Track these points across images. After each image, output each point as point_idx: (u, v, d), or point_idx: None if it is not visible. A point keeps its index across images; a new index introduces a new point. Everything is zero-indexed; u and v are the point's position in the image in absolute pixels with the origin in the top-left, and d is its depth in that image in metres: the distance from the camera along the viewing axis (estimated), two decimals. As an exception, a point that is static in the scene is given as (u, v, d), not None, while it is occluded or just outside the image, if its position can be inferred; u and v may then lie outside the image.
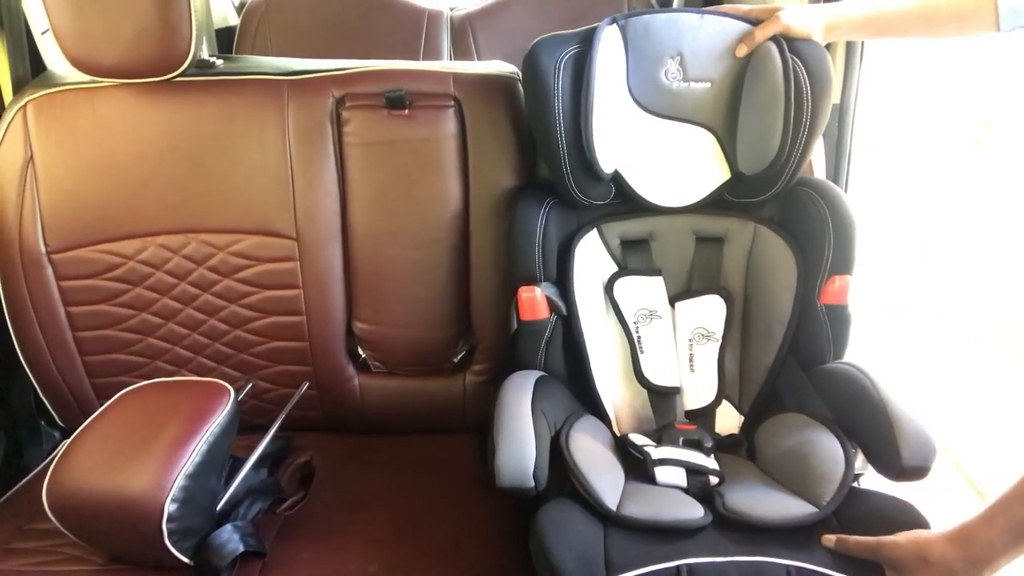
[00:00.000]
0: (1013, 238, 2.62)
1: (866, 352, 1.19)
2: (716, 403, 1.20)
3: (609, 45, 1.10)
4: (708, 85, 1.13)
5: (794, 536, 0.95)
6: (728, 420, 1.21)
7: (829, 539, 0.94)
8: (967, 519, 0.86)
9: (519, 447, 0.98)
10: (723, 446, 1.16)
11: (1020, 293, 2.47)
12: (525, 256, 1.15)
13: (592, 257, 1.21)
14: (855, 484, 1.04)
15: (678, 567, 0.91)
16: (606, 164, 1.13)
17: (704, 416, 1.20)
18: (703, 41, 1.12)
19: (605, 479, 1.01)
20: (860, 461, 1.06)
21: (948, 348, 2.32)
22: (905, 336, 2.35)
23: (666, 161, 1.16)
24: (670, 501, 1.01)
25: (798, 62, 1.09)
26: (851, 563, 0.92)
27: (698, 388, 1.21)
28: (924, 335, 2.38)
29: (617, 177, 1.17)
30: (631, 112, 1.14)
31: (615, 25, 1.12)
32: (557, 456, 1.02)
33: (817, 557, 0.93)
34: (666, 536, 0.95)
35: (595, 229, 1.21)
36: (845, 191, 1.40)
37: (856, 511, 0.98)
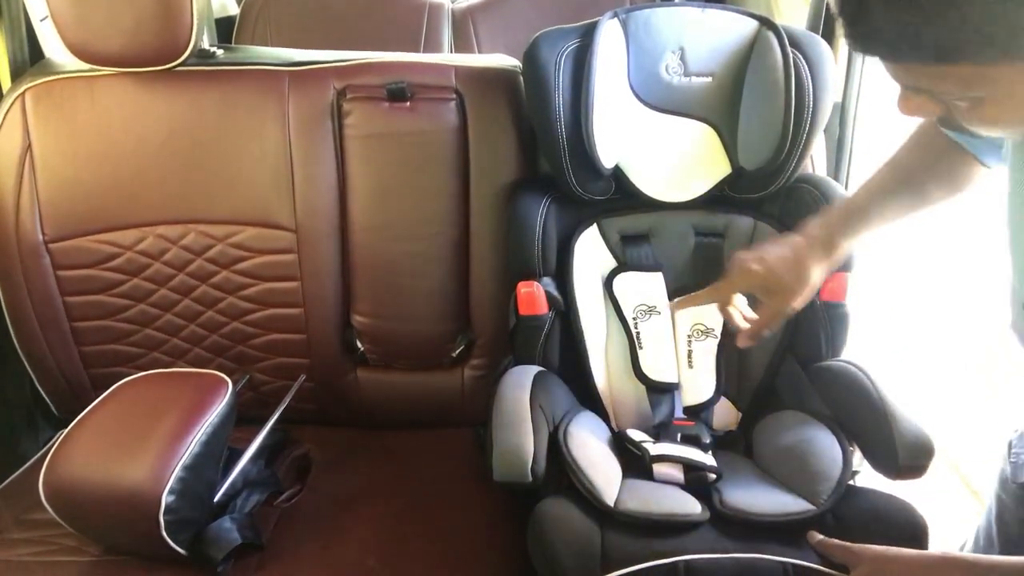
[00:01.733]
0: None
1: (865, 351, 1.19)
2: (714, 399, 1.20)
3: (610, 39, 1.10)
4: (709, 79, 1.13)
5: (791, 533, 0.95)
6: (726, 417, 1.21)
7: (814, 536, 0.93)
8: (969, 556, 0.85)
9: (516, 442, 0.98)
10: (721, 442, 1.17)
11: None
12: (524, 251, 1.15)
13: (592, 252, 1.20)
14: (852, 482, 1.04)
15: (675, 563, 0.92)
16: (606, 159, 1.12)
17: (702, 412, 1.20)
18: (704, 35, 1.11)
19: (603, 475, 1.01)
20: (857, 458, 1.07)
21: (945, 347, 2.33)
22: (905, 335, 2.36)
23: (667, 156, 1.16)
24: (667, 497, 1.01)
25: (799, 56, 1.08)
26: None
27: (697, 384, 1.20)
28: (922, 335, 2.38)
29: (617, 172, 1.16)
30: (632, 106, 1.13)
31: (616, 19, 1.11)
32: (555, 451, 1.02)
33: (813, 554, 0.93)
34: (663, 532, 0.95)
35: (595, 224, 1.21)
36: (846, 189, 1.40)
37: (853, 509, 0.98)
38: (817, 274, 0.92)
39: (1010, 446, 0.96)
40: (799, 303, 0.93)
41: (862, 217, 0.93)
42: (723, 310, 0.99)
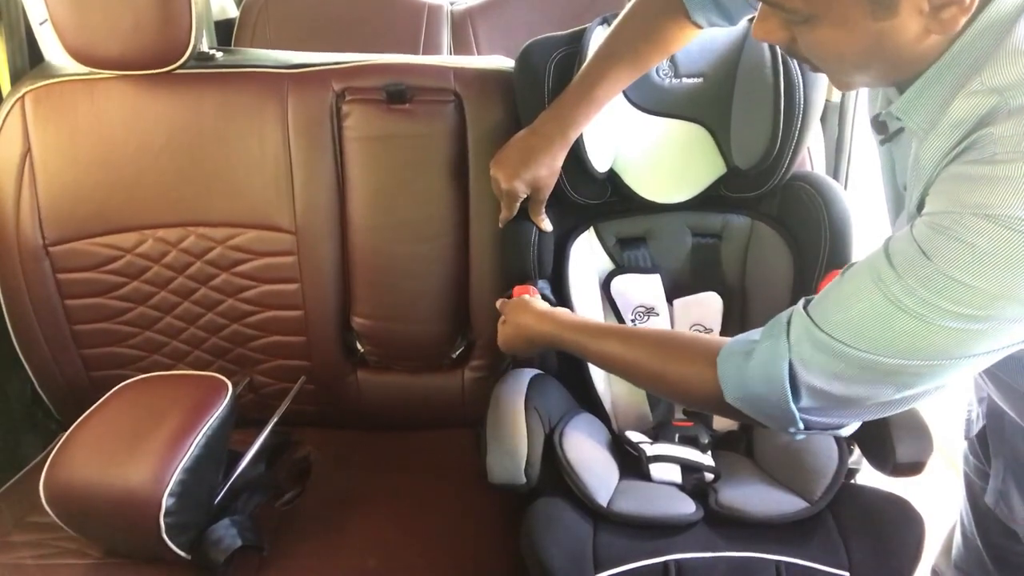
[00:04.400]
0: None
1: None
2: (714, 400, 1.20)
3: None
4: (700, 80, 1.13)
5: (785, 531, 0.96)
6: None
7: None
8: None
9: (510, 445, 0.99)
10: (722, 443, 1.17)
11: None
12: (520, 255, 1.15)
13: (589, 255, 1.21)
14: (854, 480, 1.04)
15: (666, 562, 0.92)
16: (599, 163, 1.12)
17: (702, 413, 1.20)
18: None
19: (598, 476, 1.02)
20: (857, 456, 1.07)
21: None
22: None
23: (661, 158, 1.16)
24: (661, 497, 1.01)
25: None
26: (842, 557, 0.93)
27: (696, 385, 1.20)
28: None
29: (612, 175, 1.16)
30: (624, 110, 1.14)
31: (605, 25, 1.12)
32: (551, 453, 1.02)
33: (808, 552, 0.93)
34: (655, 532, 0.95)
35: (591, 228, 1.21)
36: (845, 189, 1.40)
37: (849, 507, 0.98)
38: (560, 162, 1.08)
39: (965, 424, 1.00)
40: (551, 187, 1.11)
41: (590, 102, 1.04)
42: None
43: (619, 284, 1.20)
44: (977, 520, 1.00)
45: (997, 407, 0.88)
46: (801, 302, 0.71)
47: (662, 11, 1.00)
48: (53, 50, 1.31)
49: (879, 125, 0.75)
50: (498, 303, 1.09)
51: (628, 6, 1.03)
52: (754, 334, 0.75)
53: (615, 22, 1.04)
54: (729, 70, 1.12)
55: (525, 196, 1.10)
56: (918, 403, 0.68)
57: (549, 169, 1.07)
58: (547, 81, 1.10)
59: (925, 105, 0.65)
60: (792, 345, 0.69)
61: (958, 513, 1.07)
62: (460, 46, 2.20)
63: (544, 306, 1.03)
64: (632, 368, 0.87)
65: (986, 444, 0.94)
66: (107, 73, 1.17)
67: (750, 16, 1.00)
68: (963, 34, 0.61)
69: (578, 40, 1.10)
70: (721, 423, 1.21)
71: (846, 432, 0.75)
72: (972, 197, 0.59)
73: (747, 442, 1.15)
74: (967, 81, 0.61)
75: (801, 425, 0.72)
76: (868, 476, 1.08)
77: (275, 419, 1.18)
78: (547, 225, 1.15)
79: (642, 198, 1.18)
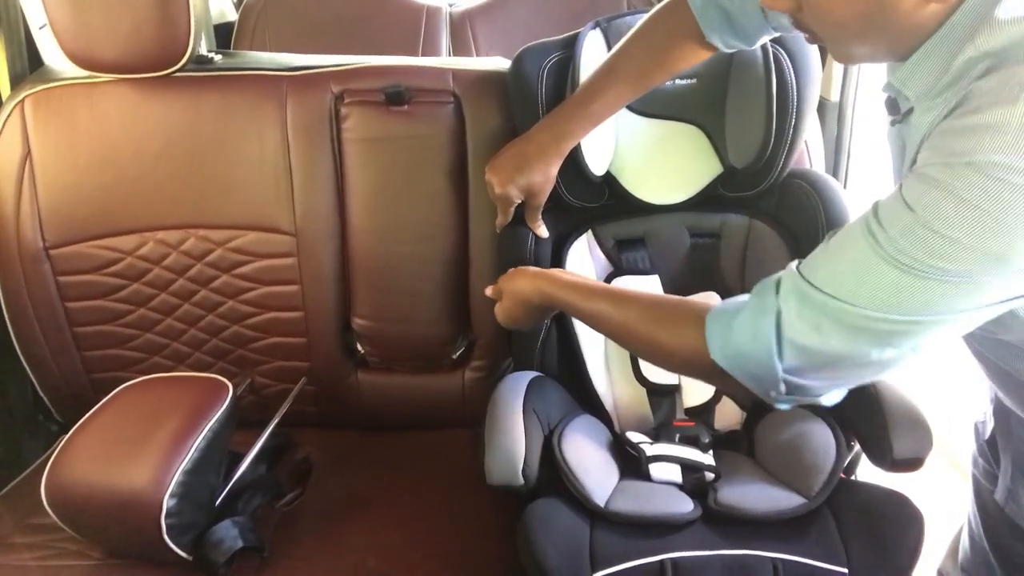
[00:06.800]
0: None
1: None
2: (715, 400, 1.20)
3: (593, 49, 1.10)
4: (694, 81, 1.13)
5: (783, 529, 0.95)
6: (731, 416, 1.21)
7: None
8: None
9: (508, 446, 0.99)
10: (724, 442, 1.16)
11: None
12: (517, 260, 1.15)
13: (587, 258, 1.21)
14: (853, 475, 1.04)
15: (662, 561, 0.92)
16: (595, 167, 1.13)
17: (704, 413, 1.20)
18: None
19: (596, 476, 1.02)
20: (856, 451, 1.07)
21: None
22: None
23: (657, 160, 1.16)
24: (660, 496, 1.01)
25: (781, 51, 1.09)
26: (839, 554, 0.93)
27: (697, 385, 1.20)
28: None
29: (609, 178, 1.16)
30: (619, 113, 1.14)
31: (598, 29, 1.12)
32: (550, 455, 1.03)
33: (806, 549, 0.93)
34: (652, 531, 0.96)
35: (589, 230, 1.21)
36: (844, 187, 1.40)
37: (848, 502, 0.98)
38: (555, 170, 1.08)
39: (976, 428, 0.99)
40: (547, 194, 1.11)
41: (587, 115, 1.04)
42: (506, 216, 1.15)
43: (617, 286, 1.20)
44: (984, 523, 1.00)
45: (1003, 406, 0.88)
46: (794, 263, 0.72)
47: (675, 31, 0.98)
48: (52, 54, 1.32)
49: (892, 105, 0.75)
50: (487, 290, 1.08)
51: (638, 24, 1.02)
52: (744, 296, 0.76)
53: (624, 38, 1.03)
54: (722, 70, 1.12)
55: (520, 201, 1.10)
56: (896, 368, 0.68)
57: (543, 176, 1.08)
58: (541, 87, 1.11)
59: (923, 74, 0.66)
60: (780, 300, 0.70)
61: (965, 516, 1.07)
62: (459, 48, 2.20)
63: (536, 268, 1.02)
64: (621, 328, 0.87)
65: (995, 445, 0.93)
66: (106, 77, 1.18)
67: (768, 37, 0.99)
68: (962, 4, 0.62)
69: (571, 46, 1.11)
70: (722, 423, 1.21)
71: (827, 402, 0.75)
72: (955, 146, 0.60)
73: (748, 441, 1.15)
74: (961, 49, 0.63)
75: (783, 387, 0.72)
76: (868, 474, 1.08)
77: (276, 420, 1.18)
78: (543, 231, 1.15)
79: (639, 200, 1.18)
